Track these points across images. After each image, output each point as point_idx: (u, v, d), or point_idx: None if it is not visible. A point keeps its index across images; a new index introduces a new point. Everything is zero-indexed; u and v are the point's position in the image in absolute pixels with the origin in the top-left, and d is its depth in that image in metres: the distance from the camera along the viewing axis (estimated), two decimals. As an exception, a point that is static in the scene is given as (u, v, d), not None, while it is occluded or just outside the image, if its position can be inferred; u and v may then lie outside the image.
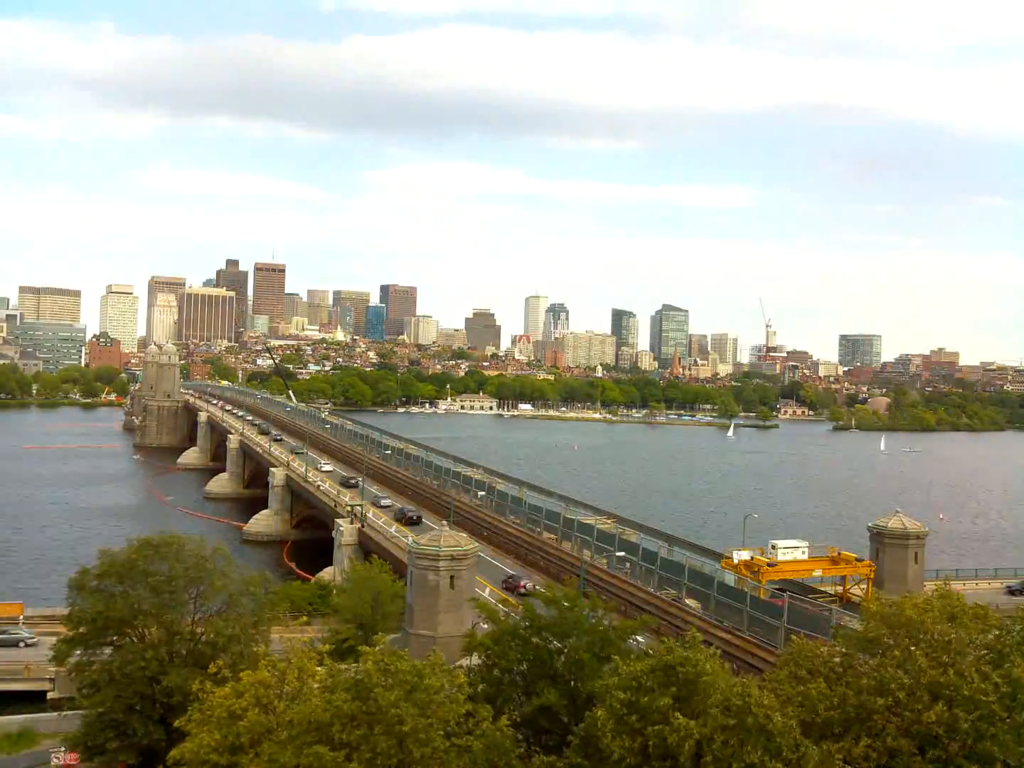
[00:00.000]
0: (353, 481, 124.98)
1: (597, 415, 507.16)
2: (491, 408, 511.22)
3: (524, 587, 70.17)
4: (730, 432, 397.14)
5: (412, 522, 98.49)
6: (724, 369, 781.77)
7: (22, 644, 72.06)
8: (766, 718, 25.07)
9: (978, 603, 35.13)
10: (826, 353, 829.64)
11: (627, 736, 25.96)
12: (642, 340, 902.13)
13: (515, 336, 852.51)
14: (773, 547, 71.62)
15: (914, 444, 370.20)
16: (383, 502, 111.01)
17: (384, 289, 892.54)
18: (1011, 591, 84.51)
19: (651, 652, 31.34)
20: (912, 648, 32.11)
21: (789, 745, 24.54)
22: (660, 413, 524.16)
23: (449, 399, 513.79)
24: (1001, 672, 31.33)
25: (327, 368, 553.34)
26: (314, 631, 73.10)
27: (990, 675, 30.98)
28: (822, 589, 74.58)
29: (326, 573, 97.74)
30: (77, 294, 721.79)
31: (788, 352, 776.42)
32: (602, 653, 37.22)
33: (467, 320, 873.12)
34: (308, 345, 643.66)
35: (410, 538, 72.05)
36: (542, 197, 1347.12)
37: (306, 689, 35.28)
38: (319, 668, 36.58)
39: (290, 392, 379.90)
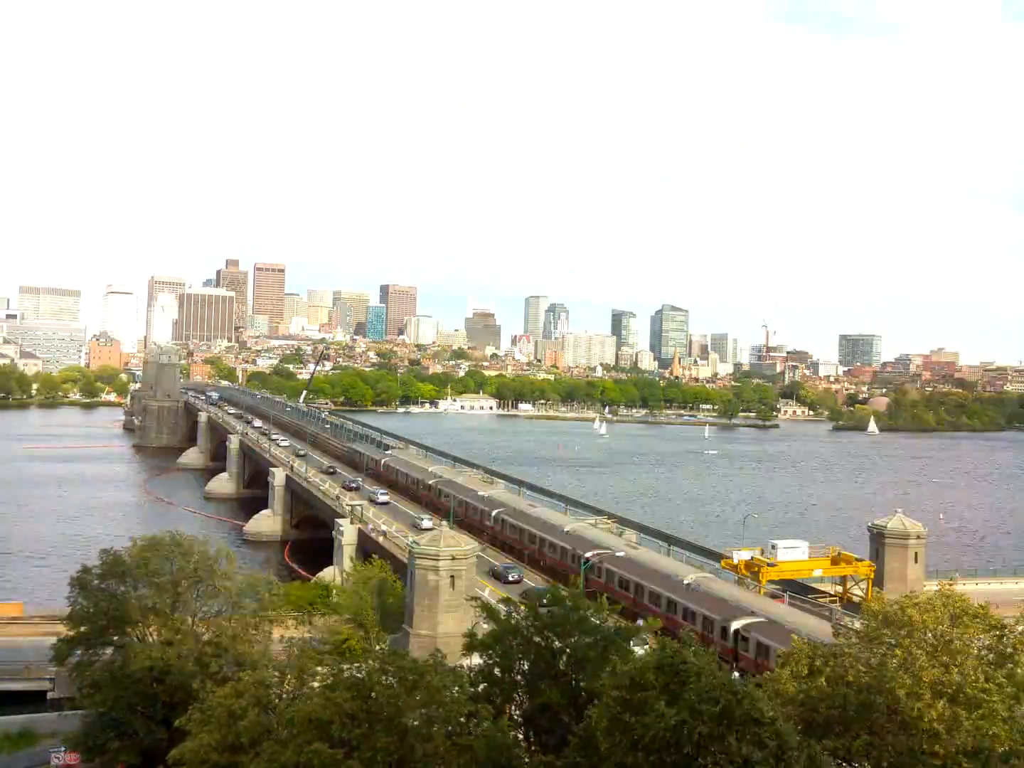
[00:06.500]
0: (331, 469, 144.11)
1: (597, 415, 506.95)
2: (491, 408, 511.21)
3: None
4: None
5: (350, 488, 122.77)
6: (724, 369, 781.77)
7: None
8: (751, 707, 24.81)
9: (980, 603, 35.09)
10: (826, 353, 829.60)
11: (619, 733, 25.95)
12: (642, 340, 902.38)
13: (515, 336, 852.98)
14: (773, 547, 71.55)
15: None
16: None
17: (384, 289, 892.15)
18: None
19: (649, 653, 31.33)
20: (914, 649, 32.11)
21: (772, 735, 24.27)
22: (660, 413, 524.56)
23: (450, 398, 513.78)
24: (1005, 672, 31.36)
25: (327, 368, 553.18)
26: (315, 631, 73.09)
27: (993, 675, 31.01)
28: (822, 589, 74.57)
29: (326, 573, 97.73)
30: (77, 294, 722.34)
31: (788, 352, 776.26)
32: (605, 653, 37.17)
33: (467, 320, 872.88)
34: (308, 345, 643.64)
35: (410, 538, 71.99)
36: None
37: (307, 688, 35.27)
38: (320, 668, 36.57)
39: (303, 394, 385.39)
